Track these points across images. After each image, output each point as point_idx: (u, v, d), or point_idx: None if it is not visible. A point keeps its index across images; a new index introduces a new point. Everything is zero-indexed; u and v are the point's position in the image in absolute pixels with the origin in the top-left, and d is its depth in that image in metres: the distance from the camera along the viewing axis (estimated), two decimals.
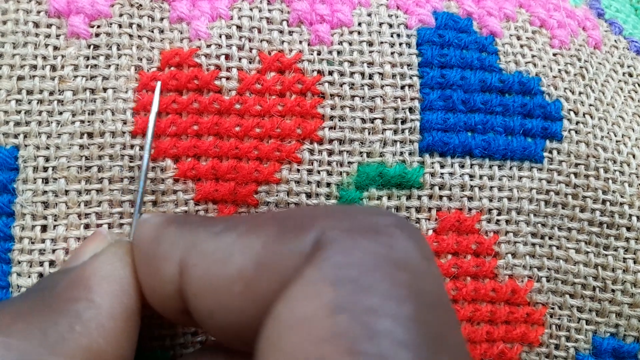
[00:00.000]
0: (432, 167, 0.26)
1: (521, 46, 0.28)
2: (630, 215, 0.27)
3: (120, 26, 0.25)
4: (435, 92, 0.26)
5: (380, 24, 0.27)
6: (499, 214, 0.27)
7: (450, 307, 0.17)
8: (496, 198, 0.27)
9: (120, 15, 0.25)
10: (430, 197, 0.26)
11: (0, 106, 0.24)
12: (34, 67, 0.24)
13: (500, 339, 0.27)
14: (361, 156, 0.26)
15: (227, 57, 0.25)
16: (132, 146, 0.24)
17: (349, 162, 0.26)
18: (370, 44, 0.26)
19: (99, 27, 0.25)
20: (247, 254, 0.17)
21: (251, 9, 0.26)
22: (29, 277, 0.23)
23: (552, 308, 0.27)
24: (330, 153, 0.26)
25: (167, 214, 0.25)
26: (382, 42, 0.26)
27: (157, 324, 0.25)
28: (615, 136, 0.28)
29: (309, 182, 0.26)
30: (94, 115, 0.24)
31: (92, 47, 0.25)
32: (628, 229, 0.27)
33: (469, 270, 0.27)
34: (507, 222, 0.27)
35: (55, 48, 0.24)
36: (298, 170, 0.26)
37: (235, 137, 0.25)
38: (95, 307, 0.19)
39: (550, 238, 0.27)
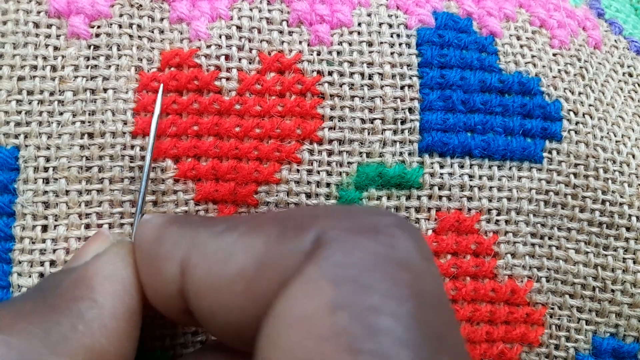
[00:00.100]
0: (432, 168, 0.26)
1: (521, 46, 0.28)
2: (630, 216, 0.27)
3: (120, 26, 0.25)
4: (434, 93, 0.27)
5: (380, 24, 0.27)
6: (498, 214, 0.27)
7: (450, 308, 0.17)
8: (496, 198, 0.27)
9: (121, 15, 0.25)
10: (430, 197, 0.26)
11: (1, 106, 0.24)
12: (35, 67, 0.24)
13: (500, 339, 0.27)
14: (361, 156, 0.26)
15: (227, 57, 0.25)
16: (132, 146, 0.24)
17: (348, 163, 0.26)
18: (370, 44, 0.26)
19: (99, 27, 0.25)
20: (248, 254, 0.17)
21: (251, 9, 0.26)
22: (30, 277, 0.23)
23: (552, 308, 0.27)
24: (330, 153, 0.26)
25: (168, 214, 0.25)
26: (381, 43, 0.27)
27: (158, 324, 0.25)
28: (615, 136, 0.28)
29: (308, 183, 0.26)
30: (94, 115, 0.24)
31: (92, 47, 0.25)
32: (628, 229, 0.27)
33: (469, 270, 0.27)
34: (507, 222, 0.27)
35: (56, 48, 0.24)
36: (298, 171, 0.26)
37: (235, 137, 0.25)
38: (97, 307, 0.19)
39: (549, 238, 0.27)
